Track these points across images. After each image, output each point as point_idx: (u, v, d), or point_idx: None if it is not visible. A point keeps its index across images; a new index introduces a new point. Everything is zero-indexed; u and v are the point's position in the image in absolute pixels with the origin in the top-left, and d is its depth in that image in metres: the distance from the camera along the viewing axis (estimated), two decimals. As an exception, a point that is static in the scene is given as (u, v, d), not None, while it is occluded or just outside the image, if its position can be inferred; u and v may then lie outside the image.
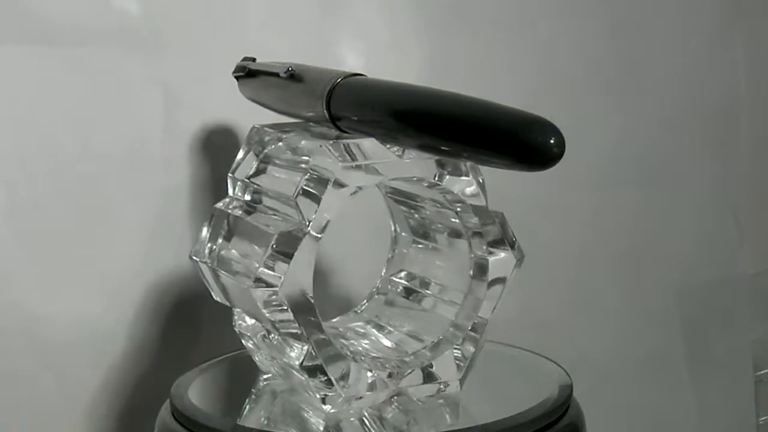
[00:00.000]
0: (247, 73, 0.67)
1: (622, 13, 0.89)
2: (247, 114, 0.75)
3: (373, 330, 0.66)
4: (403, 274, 0.68)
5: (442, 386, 0.62)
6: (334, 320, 0.68)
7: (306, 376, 0.59)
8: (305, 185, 0.57)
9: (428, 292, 0.66)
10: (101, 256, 0.73)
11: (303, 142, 0.60)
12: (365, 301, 0.69)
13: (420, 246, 0.67)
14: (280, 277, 0.56)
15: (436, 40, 0.82)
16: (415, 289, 0.67)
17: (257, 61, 0.67)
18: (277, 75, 0.63)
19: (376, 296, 0.69)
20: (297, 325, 0.57)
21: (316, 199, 0.57)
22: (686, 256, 0.94)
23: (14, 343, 0.71)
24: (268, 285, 0.57)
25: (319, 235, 0.57)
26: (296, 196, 0.57)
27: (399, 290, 0.68)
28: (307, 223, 0.57)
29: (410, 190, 0.64)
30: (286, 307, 0.57)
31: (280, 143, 0.62)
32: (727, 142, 0.95)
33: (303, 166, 0.58)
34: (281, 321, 0.58)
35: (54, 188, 0.72)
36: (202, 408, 0.61)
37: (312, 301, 0.57)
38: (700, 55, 0.92)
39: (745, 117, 0.95)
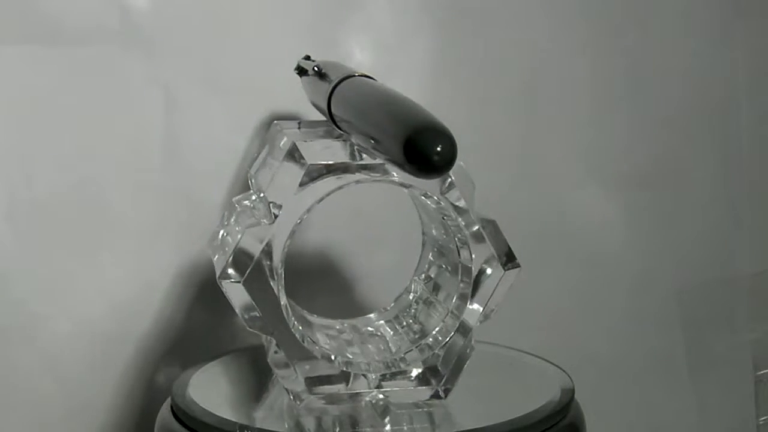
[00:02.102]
0: (300, 71, 0.67)
1: (622, 13, 0.88)
2: (246, 113, 0.75)
3: (388, 331, 0.67)
4: (422, 277, 0.68)
5: (433, 391, 0.62)
6: (359, 318, 0.68)
7: (278, 373, 0.59)
8: (273, 183, 0.58)
9: (437, 297, 0.66)
10: (101, 256, 0.73)
11: (284, 140, 0.60)
12: (393, 301, 0.69)
13: (437, 252, 0.67)
14: (243, 273, 0.56)
15: (439, 39, 0.82)
16: (428, 293, 0.67)
17: (311, 58, 0.67)
18: (307, 72, 0.64)
19: (402, 296, 0.69)
20: (265, 321, 0.58)
21: (282, 197, 0.57)
22: (686, 256, 0.94)
23: (14, 343, 0.71)
24: (234, 280, 0.57)
25: (287, 234, 0.57)
26: (266, 194, 0.58)
27: (418, 293, 0.68)
28: (273, 221, 0.57)
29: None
30: (253, 304, 0.57)
31: (276, 139, 0.62)
32: (727, 142, 0.95)
33: (281, 162, 0.59)
34: (251, 316, 0.58)
35: (54, 188, 0.72)
36: (203, 405, 0.61)
37: (281, 297, 0.57)
38: (700, 55, 0.92)
39: (745, 117, 0.95)
